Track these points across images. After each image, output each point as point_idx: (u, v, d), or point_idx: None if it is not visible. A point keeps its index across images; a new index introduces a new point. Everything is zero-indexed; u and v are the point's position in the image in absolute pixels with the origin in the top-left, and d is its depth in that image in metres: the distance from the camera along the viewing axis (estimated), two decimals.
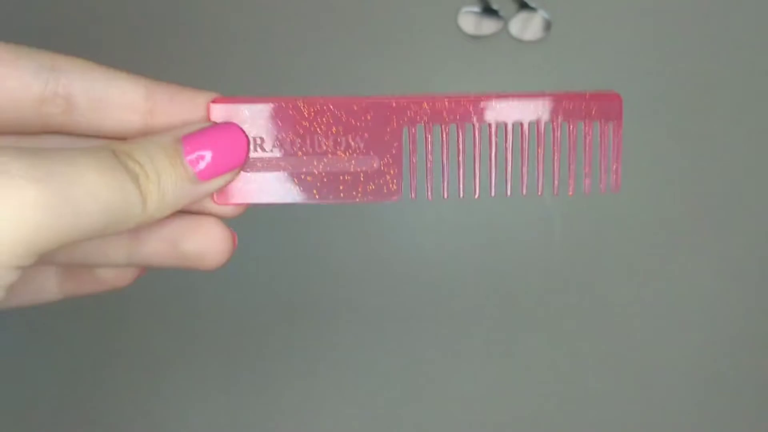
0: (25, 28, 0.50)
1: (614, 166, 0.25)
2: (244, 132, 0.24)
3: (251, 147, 0.24)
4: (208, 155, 0.22)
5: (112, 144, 0.21)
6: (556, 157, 0.25)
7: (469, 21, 0.52)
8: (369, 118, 0.25)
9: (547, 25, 0.52)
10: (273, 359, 0.52)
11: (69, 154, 0.19)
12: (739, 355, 0.53)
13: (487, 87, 0.52)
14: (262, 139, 0.24)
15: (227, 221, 0.25)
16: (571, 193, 0.25)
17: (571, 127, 0.25)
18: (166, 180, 0.21)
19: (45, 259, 0.21)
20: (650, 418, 0.53)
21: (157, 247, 0.23)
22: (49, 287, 0.24)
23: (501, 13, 0.52)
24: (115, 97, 0.22)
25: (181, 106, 0.23)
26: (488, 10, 0.52)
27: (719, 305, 0.53)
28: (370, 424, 0.52)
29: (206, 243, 0.24)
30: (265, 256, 0.51)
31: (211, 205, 0.24)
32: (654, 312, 0.53)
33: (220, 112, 0.24)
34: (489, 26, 0.52)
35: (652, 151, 0.53)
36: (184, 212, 0.24)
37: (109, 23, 0.50)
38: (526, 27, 0.52)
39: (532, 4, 0.52)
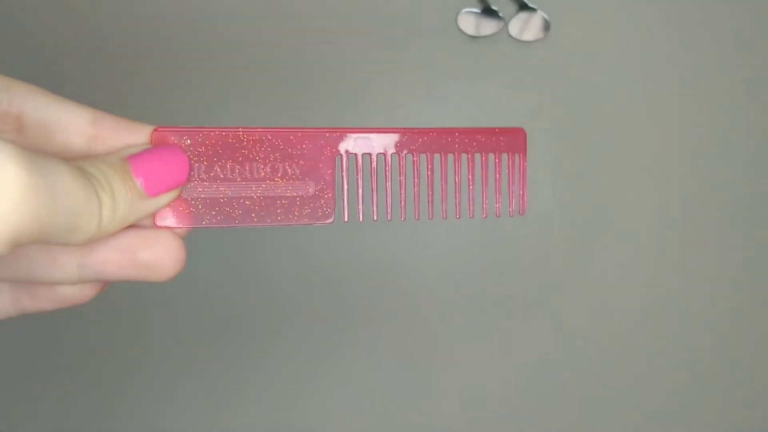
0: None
1: (520, 192, 0.28)
2: (184, 152, 0.26)
3: (193, 173, 0.26)
4: (154, 172, 0.24)
5: (67, 160, 0.23)
6: (471, 185, 0.28)
7: (469, 21, 0.53)
8: (305, 146, 0.27)
9: (547, 26, 0.53)
10: (273, 359, 0.53)
11: (45, 155, 0.20)
12: (740, 356, 0.54)
13: (487, 87, 0.53)
14: (203, 165, 0.27)
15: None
16: (484, 215, 0.28)
17: (483, 158, 0.28)
18: (118, 193, 0.22)
19: (5, 269, 0.23)
20: (650, 417, 0.54)
21: (112, 256, 0.24)
22: (3, 303, 0.25)
23: (501, 13, 0.53)
24: (63, 121, 0.24)
25: (125, 134, 0.25)
26: (488, 11, 0.53)
27: (719, 305, 0.54)
28: (370, 425, 0.53)
29: (163, 252, 0.25)
30: (265, 257, 0.52)
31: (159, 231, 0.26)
32: (654, 311, 0.54)
33: (162, 138, 0.26)
34: (489, 27, 0.53)
35: (652, 151, 0.53)
36: (137, 227, 0.25)
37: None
38: (526, 27, 0.53)
39: (531, 4, 0.53)
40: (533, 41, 0.53)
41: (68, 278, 0.24)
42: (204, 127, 0.26)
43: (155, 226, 0.26)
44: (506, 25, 0.53)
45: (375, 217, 0.28)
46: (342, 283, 0.52)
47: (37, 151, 0.22)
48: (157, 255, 0.25)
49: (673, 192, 0.53)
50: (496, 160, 0.28)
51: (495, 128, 0.28)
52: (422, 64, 0.52)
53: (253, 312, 0.52)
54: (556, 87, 0.53)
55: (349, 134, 0.27)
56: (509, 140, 0.28)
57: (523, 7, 0.53)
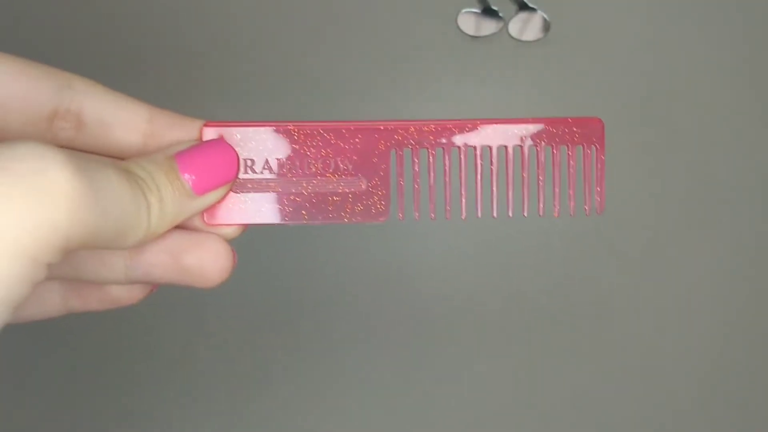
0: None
1: (598, 189, 0.26)
2: (233, 148, 0.25)
3: (242, 169, 0.25)
4: (201, 170, 0.23)
5: (115, 161, 0.23)
6: (540, 180, 0.26)
7: (469, 21, 0.52)
8: (357, 141, 0.25)
9: (547, 26, 0.52)
10: (272, 360, 0.52)
11: (91, 158, 0.21)
12: (742, 355, 0.53)
13: (487, 87, 0.52)
14: (252, 161, 0.25)
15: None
16: (556, 215, 0.26)
17: (555, 151, 0.26)
18: (165, 194, 0.22)
19: (55, 268, 0.22)
20: (650, 417, 0.53)
21: (159, 259, 0.24)
22: (53, 302, 0.25)
23: (501, 13, 0.52)
24: (121, 118, 0.24)
25: (179, 130, 0.25)
26: (488, 11, 0.52)
27: (719, 304, 0.53)
28: (373, 426, 0.52)
29: (208, 258, 0.24)
30: (268, 257, 0.51)
31: (209, 228, 0.25)
32: (654, 311, 0.53)
33: (211, 134, 0.25)
34: (489, 27, 0.52)
35: (652, 150, 0.53)
36: (185, 229, 0.25)
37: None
38: (526, 27, 0.52)
39: (531, 4, 0.52)
40: (533, 41, 0.53)
41: (116, 279, 0.24)
42: (254, 122, 0.25)
43: (205, 224, 0.25)
44: (506, 25, 0.52)
45: (432, 216, 0.26)
46: (348, 285, 0.52)
47: (89, 153, 0.24)
48: (201, 260, 0.24)
49: (673, 192, 0.53)
50: (569, 153, 0.26)
51: (567, 118, 0.25)
52: (422, 64, 0.52)
53: (256, 312, 0.52)
54: (556, 87, 0.52)
55: (404, 127, 0.25)
56: (584, 131, 0.26)
57: (523, 7, 0.52)
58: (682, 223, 0.53)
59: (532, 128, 0.26)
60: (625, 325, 0.53)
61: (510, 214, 0.26)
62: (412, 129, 0.25)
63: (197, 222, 0.25)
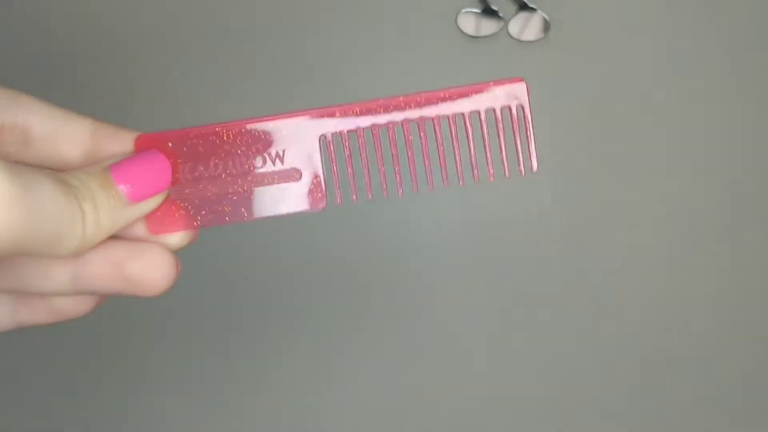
0: None
1: (529, 148, 0.25)
2: (164, 156, 0.25)
3: (179, 175, 0.26)
4: (135, 179, 0.24)
5: (53, 172, 0.23)
6: (471, 148, 0.25)
7: (469, 21, 0.52)
8: (285, 133, 0.26)
9: (547, 26, 0.52)
10: (270, 357, 0.52)
11: (29, 166, 0.21)
12: (741, 356, 0.52)
13: None
14: (187, 166, 0.26)
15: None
16: (491, 179, 0.25)
17: (482, 117, 0.25)
18: (100, 203, 0.23)
19: None
20: (650, 417, 0.52)
21: (102, 270, 0.24)
22: (1, 315, 0.25)
23: (501, 13, 0.52)
24: (67, 132, 0.25)
25: (119, 142, 0.25)
26: (488, 11, 0.52)
27: (720, 305, 0.52)
28: (370, 424, 0.52)
29: (150, 266, 0.25)
30: (262, 253, 0.52)
31: (154, 238, 0.26)
32: (654, 311, 0.52)
33: (144, 144, 0.26)
34: (489, 27, 0.52)
35: (652, 150, 0.52)
36: (129, 240, 0.25)
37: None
38: (526, 27, 0.52)
39: (531, 4, 0.52)
40: (533, 41, 0.52)
41: (61, 290, 0.24)
42: (183, 129, 0.26)
43: (149, 233, 0.25)
44: (506, 25, 0.52)
45: (370, 196, 0.26)
46: (335, 279, 0.52)
47: (24, 163, 0.24)
48: (145, 269, 0.24)
49: (673, 192, 0.52)
50: (496, 117, 0.25)
51: (489, 82, 0.25)
52: (422, 64, 0.52)
53: (247, 309, 0.52)
54: (556, 87, 0.52)
55: (330, 113, 0.26)
56: (507, 93, 0.25)
57: (523, 7, 0.52)
58: (682, 223, 0.52)
59: (457, 98, 0.25)
60: (621, 309, 0.52)
61: (446, 185, 0.25)
62: (338, 113, 0.26)
63: (142, 232, 0.26)
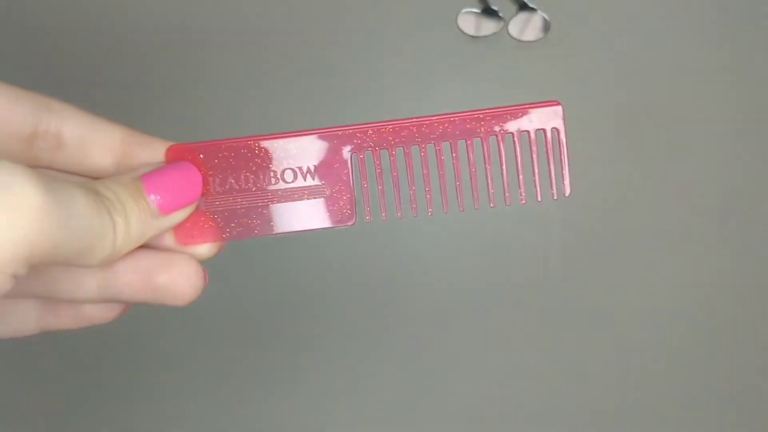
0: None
1: (562, 172, 0.25)
2: (196, 168, 0.25)
3: (209, 187, 0.26)
4: (165, 190, 0.24)
5: (85, 181, 0.24)
6: (504, 170, 0.25)
7: (469, 21, 0.52)
8: (317, 149, 0.26)
9: (547, 26, 0.52)
10: (275, 362, 0.52)
11: (59, 177, 0.22)
12: (741, 356, 0.52)
13: (487, 87, 0.52)
14: (218, 178, 0.26)
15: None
16: (523, 201, 0.25)
17: (516, 139, 0.25)
18: (131, 213, 0.23)
19: (28, 285, 0.23)
20: (650, 417, 0.52)
21: (131, 279, 0.24)
22: (28, 319, 0.26)
23: (501, 13, 0.52)
24: (98, 139, 0.25)
25: (150, 151, 0.25)
26: (488, 11, 0.52)
27: (720, 305, 0.52)
28: (372, 426, 0.52)
29: (179, 277, 0.25)
30: (263, 256, 0.52)
31: (182, 249, 0.26)
32: (654, 311, 0.52)
33: (176, 155, 0.25)
34: (489, 27, 0.52)
35: (652, 150, 0.52)
36: (157, 249, 0.25)
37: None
38: (526, 28, 0.52)
39: (531, 4, 0.52)
40: (533, 41, 0.52)
41: (89, 298, 0.25)
42: (216, 140, 0.26)
43: (178, 244, 0.25)
44: (506, 25, 0.52)
45: (399, 215, 0.26)
46: (343, 288, 0.52)
47: (67, 173, 0.25)
48: (172, 280, 0.25)
49: (673, 192, 0.52)
50: (531, 139, 0.25)
51: (524, 105, 0.25)
52: (422, 64, 0.52)
53: (255, 315, 0.52)
54: (556, 87, 0.52)
55: (362, 131, 0.25)
56: (543, 116, 0.25)
57: (523, 7, 0.52)
58: (682, 223, 0.52)
59: (491, 119, 0.25)
60: (621, 317, 0.52)
61: (477, 207, 0.25)
62: (371, 131, 0.26)
63: (170, 242, 0.26)
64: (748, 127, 0.52)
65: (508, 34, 0.52)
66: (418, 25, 0.52)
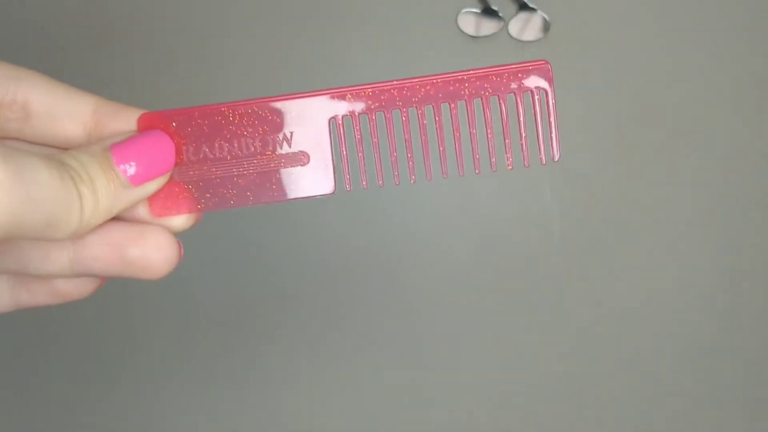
0: None
1: (551, 135, 0.24)
2: (168, 137, 0.24)
3: (182, 156, 0.25)
4: (137, 160, 0.23)
5: (50, 152, 0.23)
6: (489, 134, 0.24)
7: (469, 21, 0.51)
8: (294, 114, 0.24)
9: (547, 26, 0.51)
10: (271, 357, 0.52)
11: (22, 149, 0.21)
12: (741, 356, 0.52)
13: None
14: (191, 147, 0.24)
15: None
16: (510, 167, 0.24)
17: (502, 101, 0.24)
18: (100, 185, 0.22)
19: None
20: (649, 417, 0.52)
21: (102, 252, 0.24)
22: (1, 296, 0.25)
23: (501, 13, 0.51)
24: (69, 109, 0.24)
25: (122, 121, 0.24)
26: (488, 11, 0.51)
27: (720, 305, 0.52)
28: (370, 424, 0.52)
29: (152, 249, 0.24)
30: (260, 248, 0.51)
31: (156, 220, 0.25)
32: (654, 311, 0.52)
33: (148, 123, 0.24)
34: (489, 27, 0.51)
35: (652, 150, 0.52)
36: (130, 221, 0.24)
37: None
38: (526, 27, 0.51)
39: (531, 4, 0.51)
40: (533, 41, 0.52)
41: (61, 272, 0.24)
42: (188, 108, 0.24)
43: (152, 216, 0.24)
44: (506, 25, 0.52)
45: (380, 183, 0.24)
46: (339, 278, 0.51)
47: (36, 144, 0.24)
48: (145, 252, 0.24)
49: (673, 192, 0.52)
50: (517, 101, 0.24)
51: (511, 64, 0.24)
52: (422, 64, 0.51)
53: (249, 305, 0.51)
54: (555, 87, 0.51)
55: (341, 94, 0.24)
56: (530, 76, 0.24)
57: (523, 7, 0.51)
58: (682, 223, 0.52)
59: (476, 80, 0.24)
60: (621, 316, 0.52)
61: (461, 173, 0.24)
62: (349, 95, 0.24)
63: (145, 214, 0.25)
64: (748, 127, 0.52)
65: (508, 34, 0.52)
66: (418, 25, 0.51)
